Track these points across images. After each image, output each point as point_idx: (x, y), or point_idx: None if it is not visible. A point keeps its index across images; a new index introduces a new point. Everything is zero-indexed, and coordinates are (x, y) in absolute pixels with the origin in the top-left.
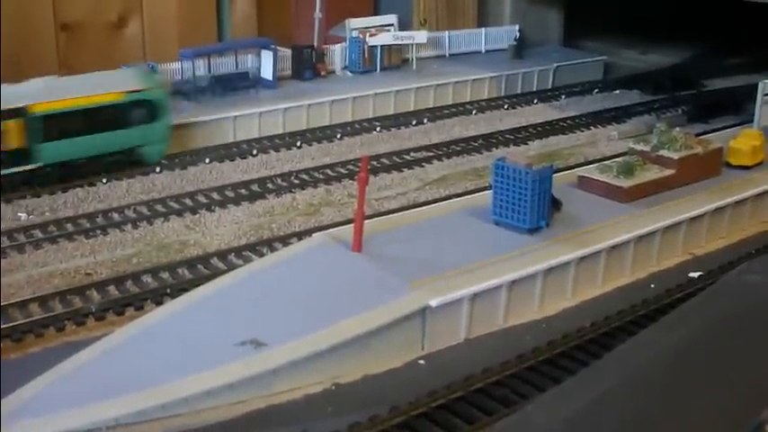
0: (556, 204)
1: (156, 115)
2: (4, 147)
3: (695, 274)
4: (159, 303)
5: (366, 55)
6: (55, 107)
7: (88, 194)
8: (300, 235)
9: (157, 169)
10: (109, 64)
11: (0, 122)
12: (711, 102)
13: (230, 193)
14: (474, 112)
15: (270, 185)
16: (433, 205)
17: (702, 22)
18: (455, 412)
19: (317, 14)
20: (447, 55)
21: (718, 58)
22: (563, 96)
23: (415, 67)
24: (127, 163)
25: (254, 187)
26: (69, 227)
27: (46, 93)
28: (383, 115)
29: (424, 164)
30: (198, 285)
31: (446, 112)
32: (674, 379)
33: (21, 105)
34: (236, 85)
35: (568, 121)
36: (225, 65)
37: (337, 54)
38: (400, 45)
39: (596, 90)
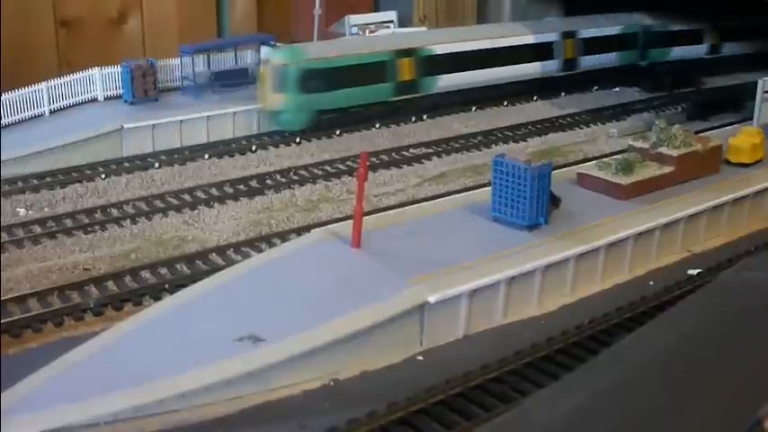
0: (555, 201)
1: None
2: None
3: (694, 272)
4: (158, 299)
5: None
6: None
7: (87, 190)
8: (299, 231)
9: (156, 165)
10: (109, 60)
11: None
12: (711, 99)
13: (229, 189)
14: (473, 108)
15: (269, 181)
16: (431, 202)
17: (703, 19)
18: (453, 408)
19: (317, 11)
20: None
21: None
22: (562, 93)
23: None
24: None
25: (253, 183)
26: (68, 222)
27: None
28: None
29: (423, 160)
30: (196, 281)
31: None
32: (673, 376)
33: None
34: (236, 80)
35: (568, 119)
36: (225, 61)
37: None
38: None
39: (596, 87)
